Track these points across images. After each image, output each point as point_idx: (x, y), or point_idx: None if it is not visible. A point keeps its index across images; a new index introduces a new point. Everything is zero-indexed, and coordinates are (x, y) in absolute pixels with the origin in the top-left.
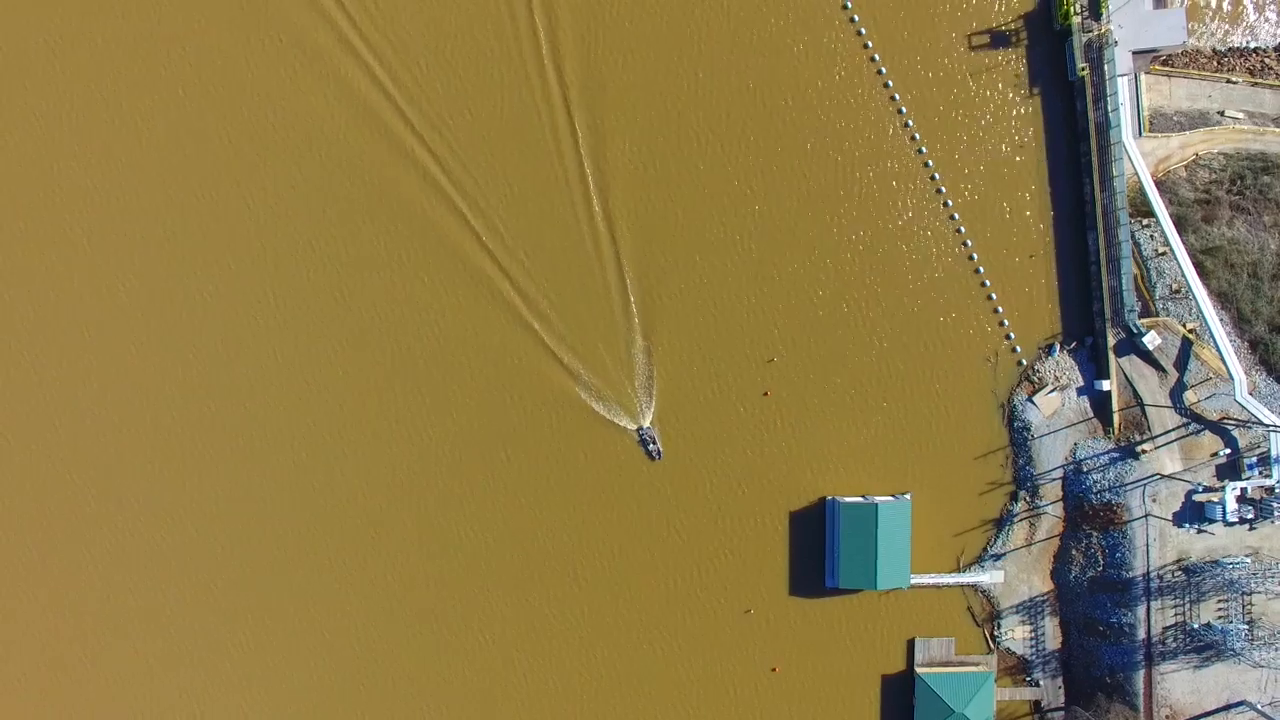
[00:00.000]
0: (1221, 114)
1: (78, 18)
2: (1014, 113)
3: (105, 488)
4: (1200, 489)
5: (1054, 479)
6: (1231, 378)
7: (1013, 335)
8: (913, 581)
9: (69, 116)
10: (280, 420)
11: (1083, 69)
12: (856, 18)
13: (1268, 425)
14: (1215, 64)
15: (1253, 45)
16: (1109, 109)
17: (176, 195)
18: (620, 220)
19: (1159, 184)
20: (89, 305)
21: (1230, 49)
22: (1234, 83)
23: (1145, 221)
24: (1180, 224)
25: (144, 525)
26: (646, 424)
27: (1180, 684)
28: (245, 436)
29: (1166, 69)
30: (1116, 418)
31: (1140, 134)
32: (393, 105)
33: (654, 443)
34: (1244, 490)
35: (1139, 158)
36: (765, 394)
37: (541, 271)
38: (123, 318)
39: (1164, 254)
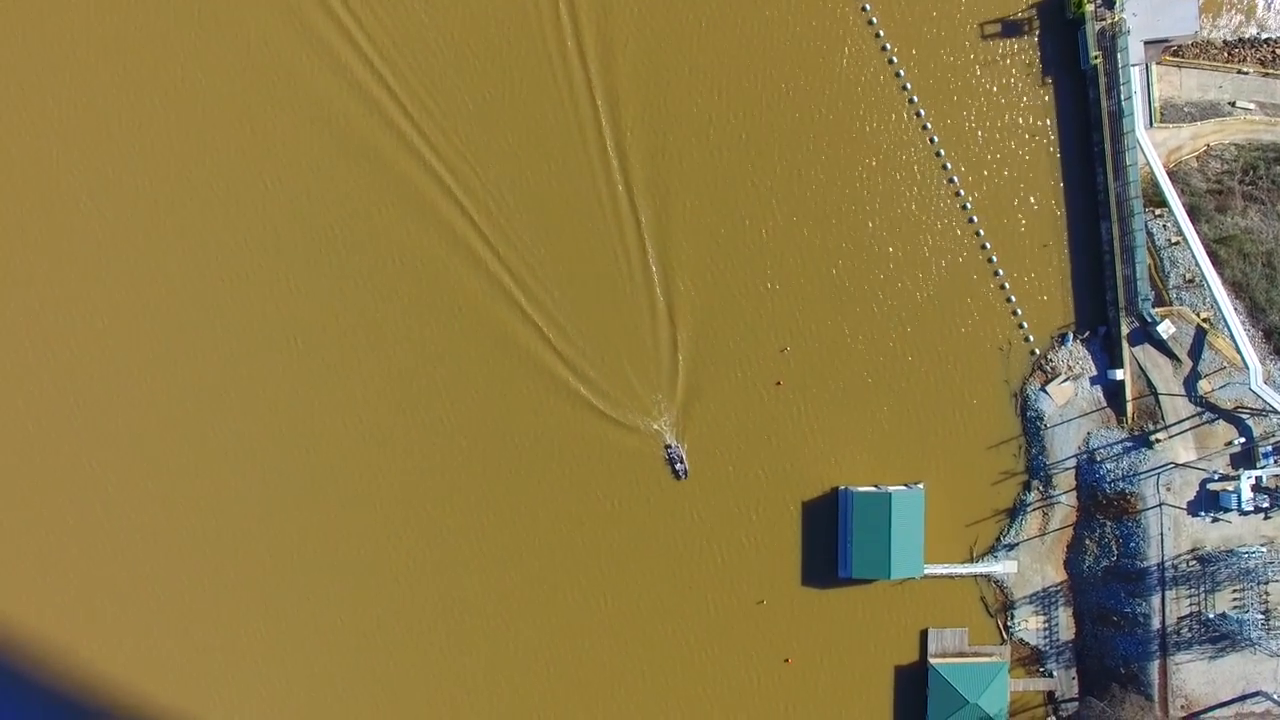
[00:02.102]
0: (1233, 105)
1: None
2: (1026, 102)
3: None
4: (1215, 477)
5: (1067, 468)
6: (1247, 366)
7: (1025, 324)
8: (926, 571)
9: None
10: (310, 437)
11: (1095, 57)
12: (868, 6)
13: None
14: (1226, 55)
15: (1264, 36)
16: (1122, 98)
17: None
18: (653, 227)
19: (1170, 174)
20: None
21: (1241, 40)
22: (1245, 73)
23: (1158, 211)
24: (1193, 214)
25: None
26: (674, 442)
27: (1195, 674)
28: (277, 449)
29: (1177, 60)
30: (1130, 407)
31: (1151, 124)
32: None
33: (681, 462)
34: (1259, 479)
35: (1150, 148)
36: (778, 384)
37: (568, 289)
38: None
39: (1177, 244)
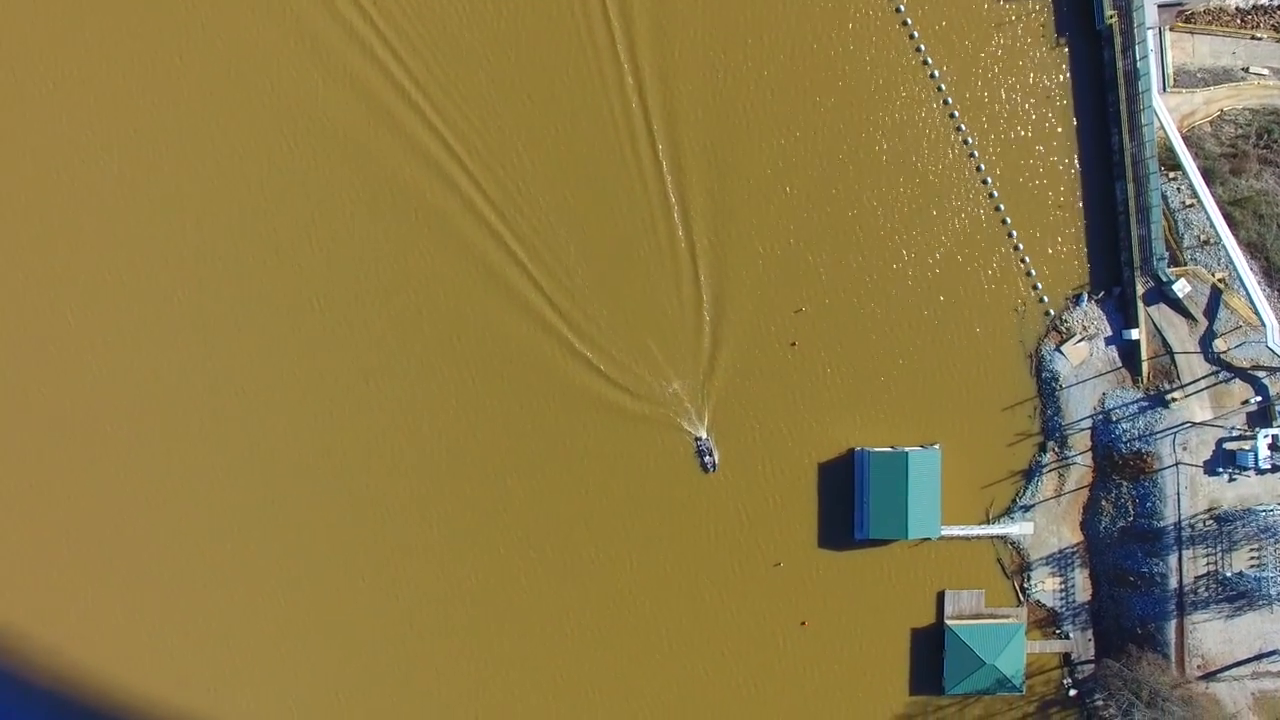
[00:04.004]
0: (1246, 70)
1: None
2: (1040, 63)
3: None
4: (1232, 436)
5: (1083, 429)
6: (1264, 325)
7: (1040, 285)
8: (942, 533)
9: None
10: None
11: (1110, 18)
12: None
13: None
14: (1239, 21)
15: (1277, 2)
16: (1137, 58)
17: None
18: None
19: (1184, 138)
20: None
21: (1255, 6)
22: (1258, 39)
23: (1171, 175)
24: (1207, 176)
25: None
26: (704, 434)
27: (1212, 633)
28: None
29: (1189, 26)
30: (1145, 366)
31: (1164, 89)
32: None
33: (710, 454)
34: (1276, 437)
35: (1164, 111)
36: (793, 344)
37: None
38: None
39: (1191, 206)
